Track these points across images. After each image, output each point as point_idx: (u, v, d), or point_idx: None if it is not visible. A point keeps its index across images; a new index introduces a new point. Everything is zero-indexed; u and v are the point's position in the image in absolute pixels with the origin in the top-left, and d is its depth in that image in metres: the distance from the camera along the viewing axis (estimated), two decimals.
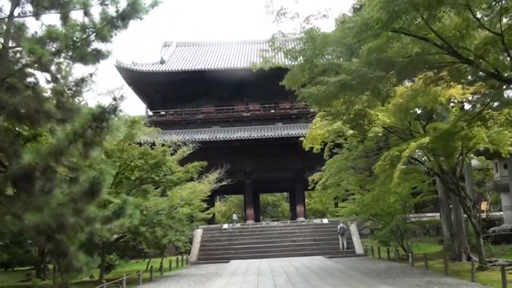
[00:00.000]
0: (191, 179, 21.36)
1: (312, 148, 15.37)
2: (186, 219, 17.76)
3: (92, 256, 11.31)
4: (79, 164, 7.59)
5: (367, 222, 21.08)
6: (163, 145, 18.59)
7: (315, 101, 8.55)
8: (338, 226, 22.53)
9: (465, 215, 17.06)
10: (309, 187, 16.36)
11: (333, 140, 13.14)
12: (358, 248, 22.15)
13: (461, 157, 12.95)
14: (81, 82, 7.60)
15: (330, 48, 7.96)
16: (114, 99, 7.07)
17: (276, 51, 9.12)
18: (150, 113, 36.71)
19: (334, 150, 18.14)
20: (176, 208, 18.15)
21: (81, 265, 9.30)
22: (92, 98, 8.68)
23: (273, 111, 35.70)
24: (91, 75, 7.57)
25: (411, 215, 21.75)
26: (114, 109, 7.12)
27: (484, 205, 25.32)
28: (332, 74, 8.16)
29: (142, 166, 14.33)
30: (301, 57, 8.60)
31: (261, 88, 35.54)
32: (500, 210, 22.53)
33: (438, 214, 26.95)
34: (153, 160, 14.28)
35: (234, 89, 35.56)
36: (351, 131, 10.67)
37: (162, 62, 36.42)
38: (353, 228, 23.54)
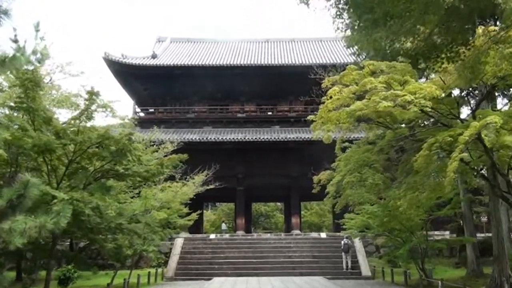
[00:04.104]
0: (172, 178, 18.35)
1: (318, 142, 12.34)
2: (158, 225, 14.56)
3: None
4: None
5: (378, 238, 17.84)
6: (142, 140, 15.69)
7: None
8: (342, 242, 19.21)
9: None
10: (312, 190, 13.20)
11: (350, 124, 9.94)
12: (365, 268, 18.85)
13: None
14: None
15: None
16: None
17: None
18: (138, 109, 33.97)
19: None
20: (150, 211, 15.05)
21: None
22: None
23: (270, 113, 32.95)
24: None
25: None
26: None
27: None
28: None
29: (101, 153, 11.23)
30: None
31: (258, 88, 32.79)
32: None
33: (447, 232, 24.06)
34: (116, 146, 11.19)
35: (229, 88, 32.88)
36: (384, 103, 7.60)
37: (154, 56, 33.99)
38: (359, 245, 20.32)
